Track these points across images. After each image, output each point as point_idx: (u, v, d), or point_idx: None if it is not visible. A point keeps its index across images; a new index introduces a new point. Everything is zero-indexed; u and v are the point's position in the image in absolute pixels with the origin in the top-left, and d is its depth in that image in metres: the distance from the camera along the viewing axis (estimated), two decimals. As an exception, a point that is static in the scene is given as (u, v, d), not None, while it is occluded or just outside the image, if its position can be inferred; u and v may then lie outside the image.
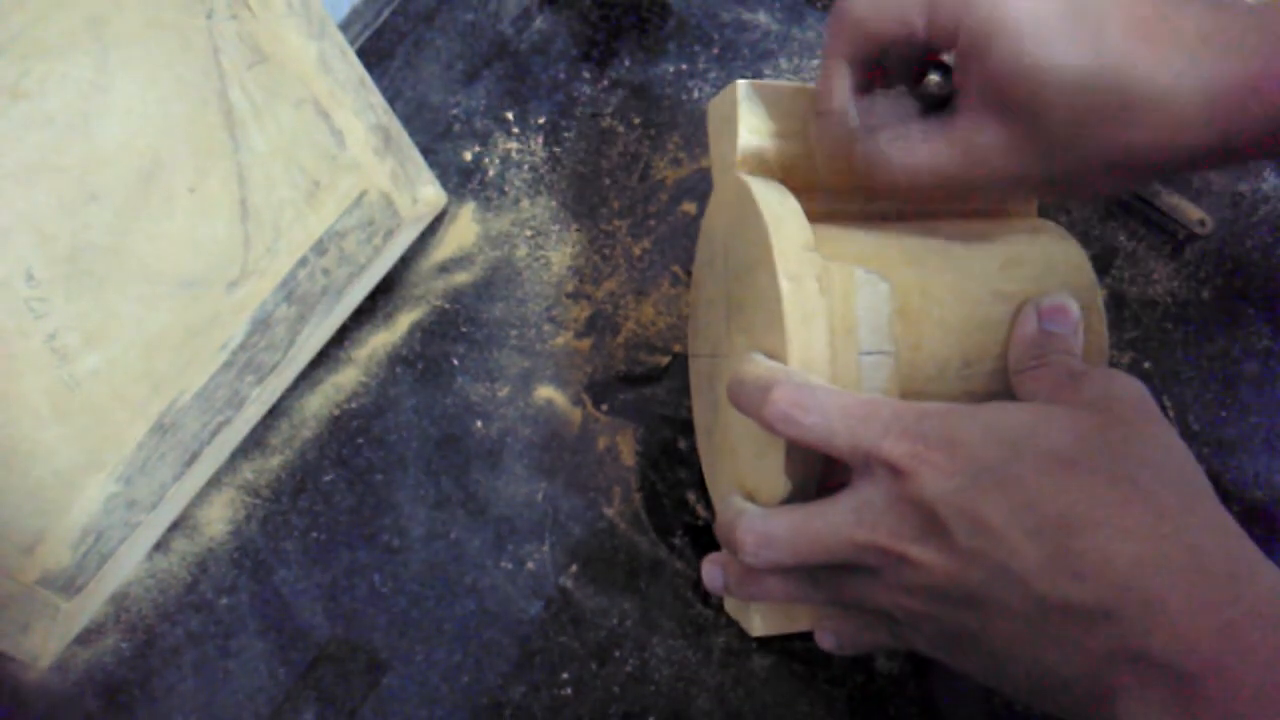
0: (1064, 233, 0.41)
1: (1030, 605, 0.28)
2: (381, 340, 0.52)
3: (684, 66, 0.58)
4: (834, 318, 0.34)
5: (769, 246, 0.35)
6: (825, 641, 0.37)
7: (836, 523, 0.32)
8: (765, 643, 0.45)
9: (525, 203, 0.54)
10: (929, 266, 0.38)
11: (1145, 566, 0.27)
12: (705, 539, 0.47)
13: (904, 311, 0.36)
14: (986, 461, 0.30)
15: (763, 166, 0.40)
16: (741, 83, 0.39)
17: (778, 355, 0.34)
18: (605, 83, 0.57)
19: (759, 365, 0.34)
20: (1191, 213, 0.52)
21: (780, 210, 0.36)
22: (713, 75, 0.57)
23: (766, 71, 0.57)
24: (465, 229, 0.54)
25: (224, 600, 0.46)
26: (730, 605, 0.41)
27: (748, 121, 0.39)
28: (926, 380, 0.36)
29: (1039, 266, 0.39)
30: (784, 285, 0.34)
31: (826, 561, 0.32)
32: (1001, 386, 0.37)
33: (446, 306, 0.52)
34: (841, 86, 0.36)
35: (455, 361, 0.51)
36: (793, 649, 0.44)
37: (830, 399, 0.32)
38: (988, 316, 0.37)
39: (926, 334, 0.36)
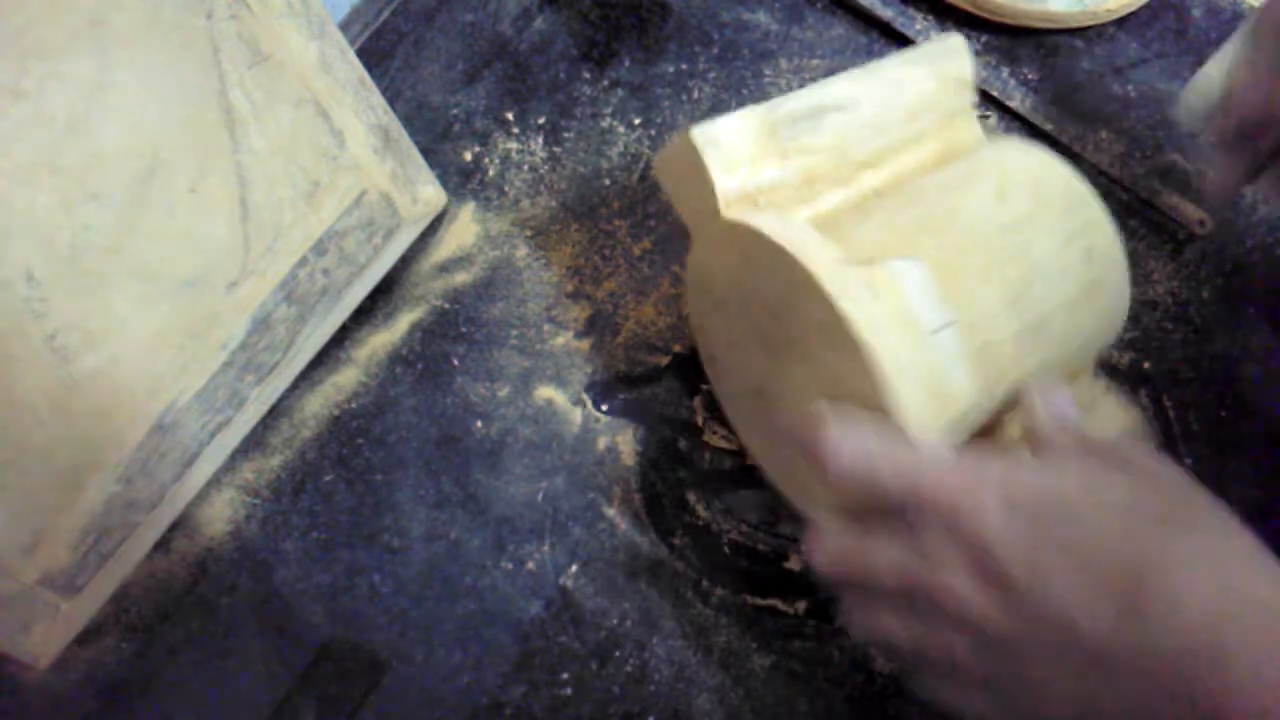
0: (1021, 142, 0.42)
1: (1091, 653, 0.28)
2: (381, 340, 0.52)
3: (684, 66, 0.58)
4: (894, 313, 0.34)
5: (808, 274, 0.34)
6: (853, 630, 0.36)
7: (890, 558, 0.32)
8: (765, 643, 0.45)
9: (525, 203, 0.54)
10: (937, 226, 0.38)
11: (1215, 617, 0.27)
12: (705, 539, 0.47)
13: (941, 277, 0.36)
14: (1046, 507, 0.29)
15: (745, 200, 0.39)
16: (696, 131, 0.38)
17: (854, 374, 0.34)
18: (605, 83, 0.57)
19: (817, 413, 0.34)
20: (1191, 213, 0.52)
21: (795, 235, 0.36)
22: (713, 75, 0.57)
23: (766, 72, 0.57)
24: (465, 229, 0.54)
25: (224, 600, 0.46)
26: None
27: (718, 163, 0.38)
28: (991, 331, 0.36)
29: (1027, 179, 0.39)
30: (845, 306, 0.34)
31: (878, 587, 0.33)
32: (1052, 306, 0.38)
33: (446, 306, 0.52)
34: None
35: (455, 361, 0.51)
36: (792, 649, 0.44)
37: (883, 445, 0.32)
38: (1008, 248, 0.38)
39: (966, 289, 0.36)
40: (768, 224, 0.37)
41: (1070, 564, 0.28)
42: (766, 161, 0.39)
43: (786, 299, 0.37)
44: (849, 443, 0.32)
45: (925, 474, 0.31)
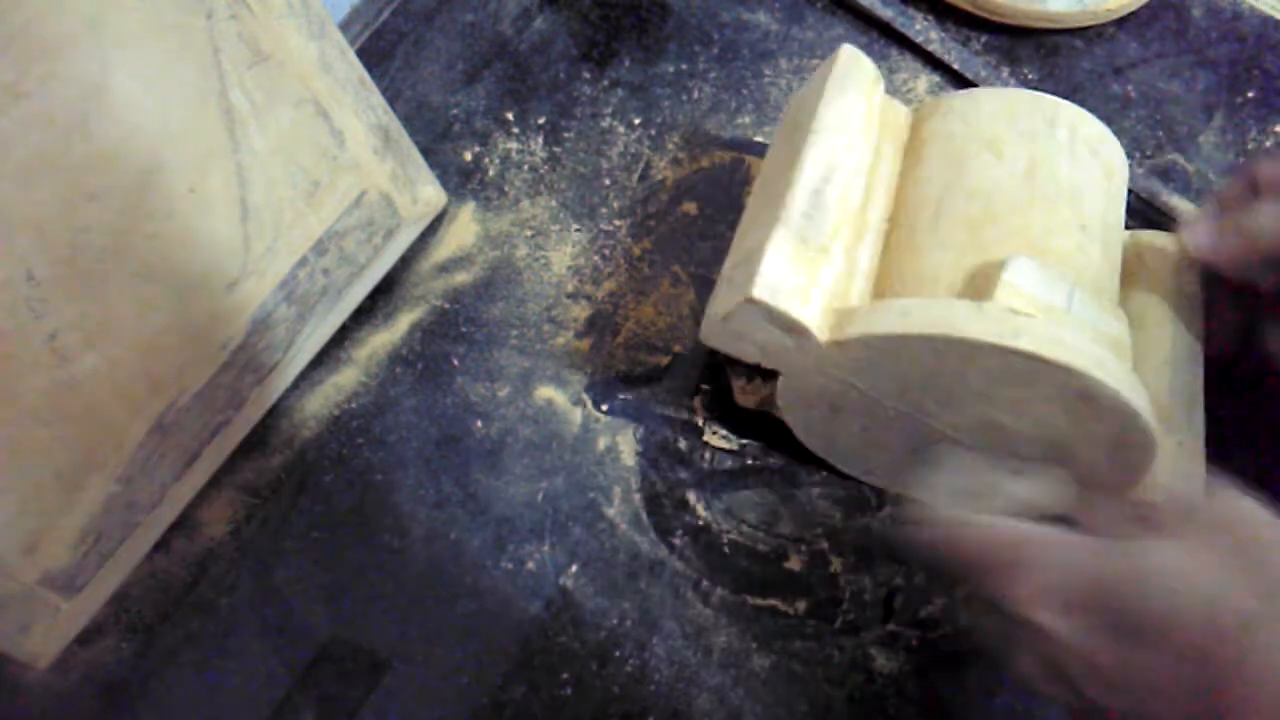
0: (960, 101, 0.43)
1: None
2: (381, 340, 0.52)
3: (684, 66, 0.58)
4: (1049, 319, 0.35)
5: (971, 342, 0.35)
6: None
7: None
8: (765, 643, 0.45)
9: (525, 203, 0.54)
10: (978, 216, 0.39)
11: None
12: (705, 539, 0.47)
13: (1030, 254, 0.37)
14: (1123, 592, 0.28)
15: (827, 312, 0.38)
16: (757, 291, 0.37)
17: (1055, 395, 0.35)
18: (605, 83, 0.57)
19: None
20: (1191, 213, 0.52)
21: (940, 315, 0.36)
22: (713, 75, 0.57)
23: (766, 72, 0.57)
24: (465, 229, 0.54)
25: (224, 600, 0.46)
26: None
27: (795, 304, 0.37)
28: (1088, 266, 0.38)
29: (1000, 126, 0.41)
30: (1026, 346, 0.34)
31: None
32: (1100, 205, 0.40)
33: (446, 306, 0.52)
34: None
35: (455, 361, 0.51)
36: (793, 649, 0.44)
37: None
38: (1039, 189, 0.39)
39: (1049, 249, 0.38)
40: (901, 323, 0.36)
41: (1144, 655, 0.27)
42: (817, 269, 0.38)
43: (948, 369, 0.37)
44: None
45: (985, 551, 0.30)
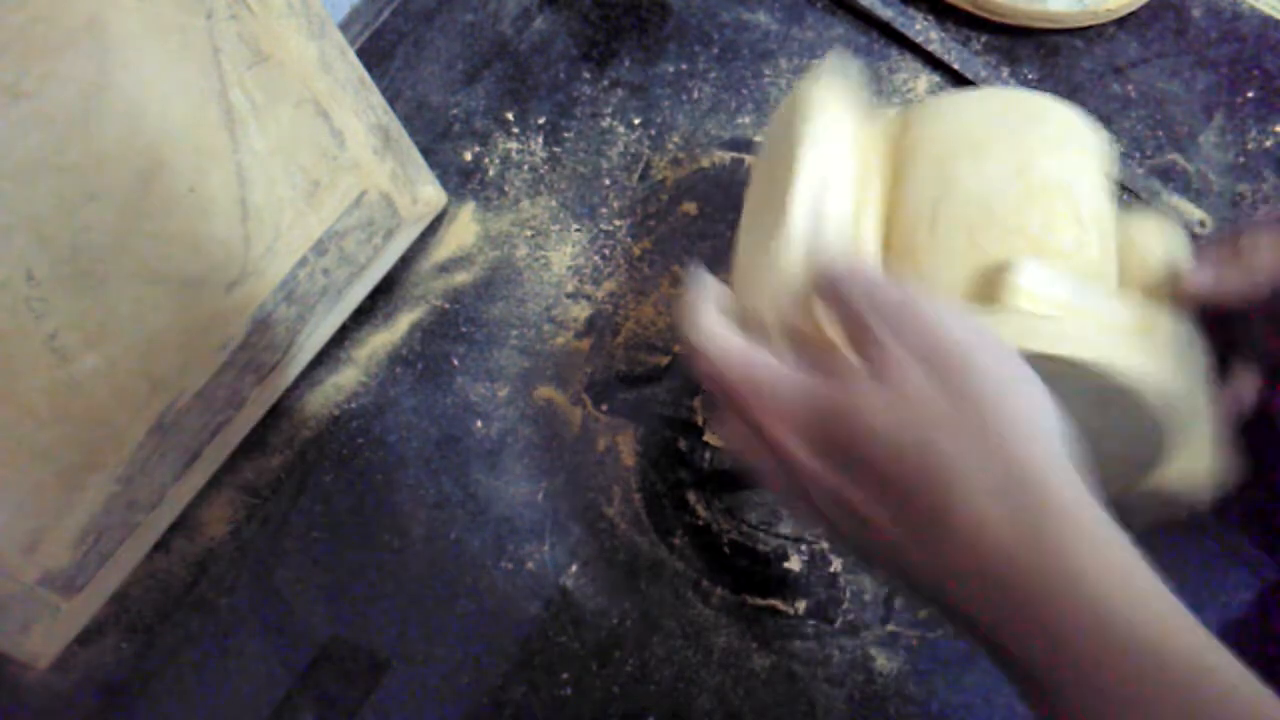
0: (933, 108, 0.42)
1: (885, 543, 0.30)
2: (381, 340, 0.52)
3: (684, 66, 0.58)
4: (1069, 315, 0.36)
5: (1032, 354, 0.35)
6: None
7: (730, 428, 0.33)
8: (765, 643, 0.45)
9: (525, 203, 0.54)
10: (973, 220, 0.39)
11: (975, 537, 0.28)
12: (705, 539, 0.47)
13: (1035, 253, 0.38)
14: (828, 440, 0.30)
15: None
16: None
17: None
18: (605, 83, 0.57)
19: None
20: (1191, 213, 0.52)
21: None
22: (713, 75, 0.57)
23: (766, 72, 0.57)
24: (465, 229, 0.54)
25: (224, 600, 0.46)
26: None
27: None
28: (1090, 251, 0.39)
29: (976, 131, 0.40)
30: (1068, 351, 0.35)
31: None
32: (1085, 190, 0.39)
33: (446, 306, 0.52)
34: None
35: (455, 361, 0.51)
36: (793, 649, 0.44)
37: (715, 329, 0.34)
38: (1033, 187, 0.39)
39: (1046, 244, 0.38)
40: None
41: (859, 479, 0.29)
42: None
43: None
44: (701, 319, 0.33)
45: (728, 368, 0.32)
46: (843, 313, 0.33)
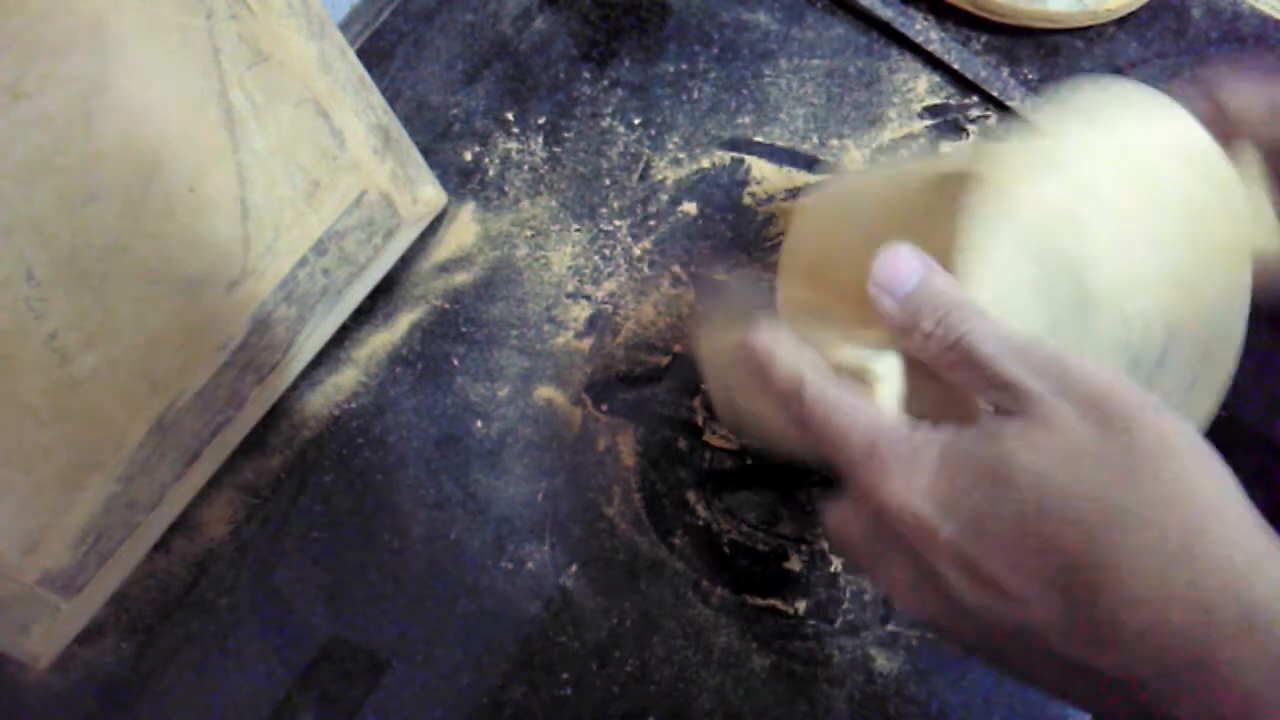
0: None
1: (1052, 657, 0.25)
2: (381, 340, 0.52)
3: (684, 66, 0.58)
4: None
5: None
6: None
7: (852, 527, 0.30)
8: (765, 643, 0.45)
9: (525, 203, 0.54)
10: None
11: (1155, 630, 0.23)
12: (705, 539, 0.47)
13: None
14: (984, 480, 0.26)
15: None
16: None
17: None
18: (605, 83, 0.57)
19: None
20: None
21: None
22: (713, 75, 0.57)
23: (766, 72, 0.57)
24: (465, 229, 0.54)
25: (224, 600, 0.46)
26: None
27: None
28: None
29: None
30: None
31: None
32: None
33: (446, 306, 0.52)
34: None
35: (455, 361, 0.51)
36: (793, 649, 0.44)
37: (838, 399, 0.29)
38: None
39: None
40: None
41: (1010, 544, 0.25)
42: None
43: None
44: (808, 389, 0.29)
45: (855, 433, 0.28)
46: (960, 356, 0.28)
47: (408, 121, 0.52)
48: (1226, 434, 0.49)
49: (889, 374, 0.31)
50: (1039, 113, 0.35)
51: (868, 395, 0.30)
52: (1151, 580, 0.24)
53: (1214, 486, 0.25)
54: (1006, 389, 0.27)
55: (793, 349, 0.30)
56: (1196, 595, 0.23)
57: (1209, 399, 0.35)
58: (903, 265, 0.29)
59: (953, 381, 0.29)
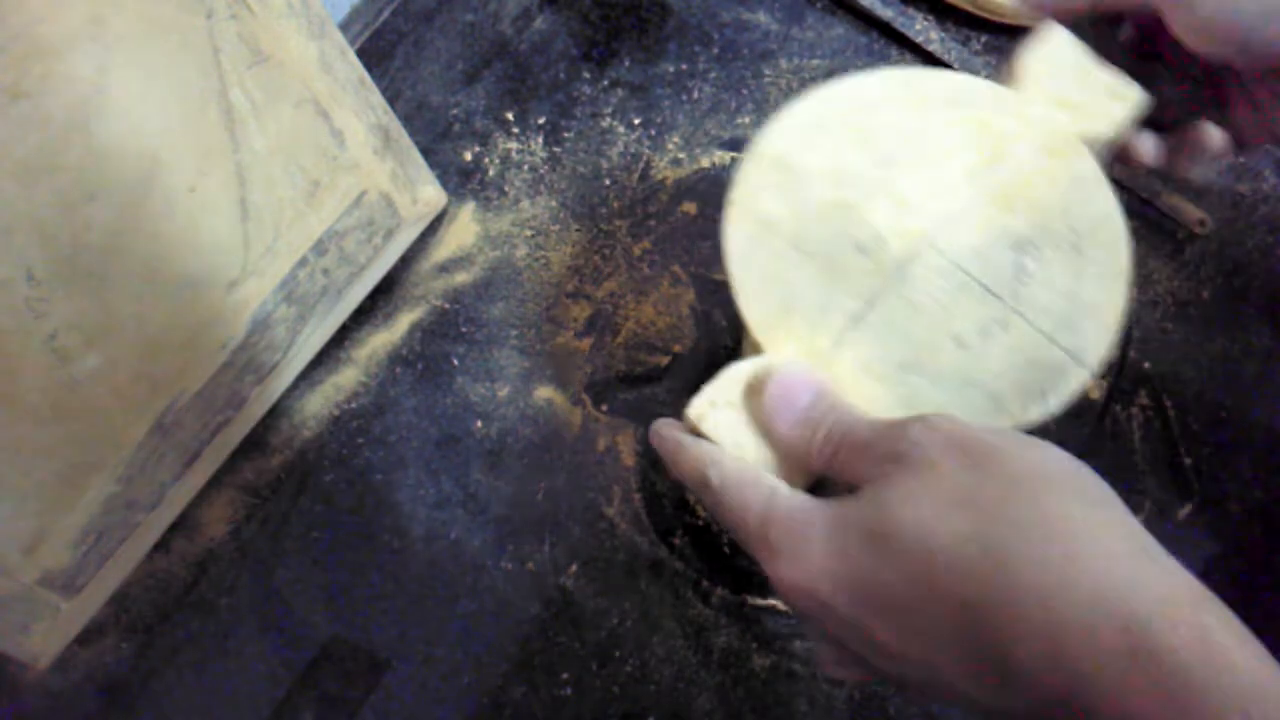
0: None
1: (975, 704, 0.25)
2: (381, 340, 0.52)
3: (684, 66, 0.58)
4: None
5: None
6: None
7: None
8: (765, 643, 0.45)
9: (525, 203, 0.54)
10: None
11: (1051, 664, 0.23)
12: (705, 539, 0.47)
13: None
14: (873, 545, 0.26)
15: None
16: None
17: None
18: (605, 83, 0.57)
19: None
20: (1191, 213, 0.52)
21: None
22: (713, 75, 0.57)
23: (766, 72, 0.57)
24: (465, 229, 0.54)
25: (224, 600, 0.46)
26: None
27: None
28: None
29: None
30: None
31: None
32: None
33: (446, 306, 0.52)
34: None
35: (455, 361, 0.51)
36: (793, 649, 0.44)
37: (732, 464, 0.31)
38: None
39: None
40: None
41: (903, 606, 0.25)
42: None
43: None
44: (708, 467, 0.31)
45: (749, 519, 0.29)
46: (844, 451, 0.29)
47: (408, 121, 0.52)
48: (1234, 431, 0.49)
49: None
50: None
51: (764, 475, 0.31)
52: (1039, 614, 0.24)
53: (1084, 510, 0.25)
54: (881, 459, 0.28)
55: (693, 442, 0.32)
56: (1081, 622, 0.23)
57: (1109, 284, 0.35)
58: (795, 390, 0.31)
59: (841, 476, 0.30)
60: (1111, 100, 0.38)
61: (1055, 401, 0.34)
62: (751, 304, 0.35)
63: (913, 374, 0.34)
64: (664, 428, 0.34)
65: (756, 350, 0.35)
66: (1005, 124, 0.37)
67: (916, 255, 0.35)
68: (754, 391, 0.33)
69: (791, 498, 0.29)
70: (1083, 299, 0.35)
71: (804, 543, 0.28)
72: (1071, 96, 0.37)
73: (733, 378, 0.33)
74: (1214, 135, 0.39)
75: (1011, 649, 0.24)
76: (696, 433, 0.33)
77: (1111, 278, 0.35)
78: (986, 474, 0.26)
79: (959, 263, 0.35)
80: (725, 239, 0.36)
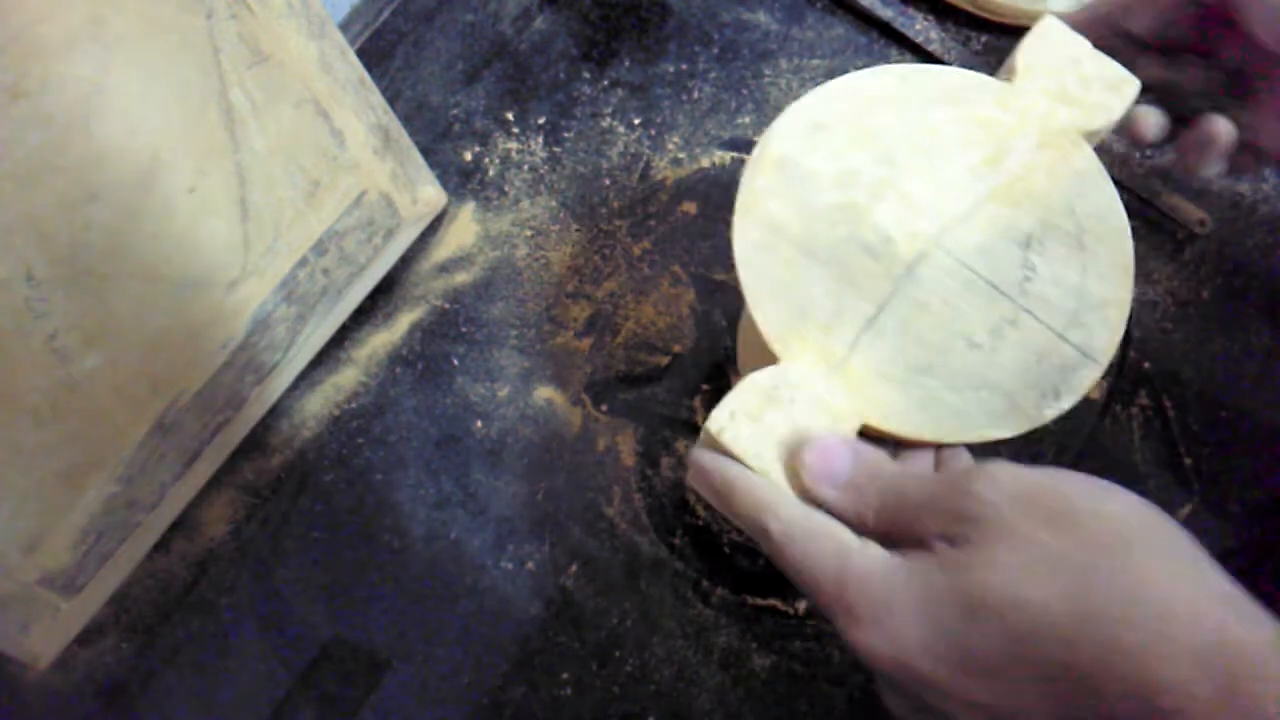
0: None
1: None
2: (381, 340, 0.52)
3: (684, 66, 0.58)
4: None
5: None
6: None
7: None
8: (765, 643, 0.45)
9: (525, 203, 0.54)
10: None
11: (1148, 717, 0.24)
12: (705, 539, 0.47)
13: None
14: (970, 616, 0.26)
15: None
16: None
17: None
18: (605, 83, 0.57)
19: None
20: (1191, 213, 0.52)
21: None
22: (713, 75, 0.57)
23: (766, 72, 0.57)
24: (465, 229, 0.54)
25: (224, 600, 0.46)
26: None
27: None
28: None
29: None
30: None
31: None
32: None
33: (446, 306, 0.52)
34: None
35: (455, 361, 0.51)
36: (793, 649, 0.44)
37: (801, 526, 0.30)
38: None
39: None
40: None
41: (997, 670, 0.25)
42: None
43: None
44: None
45: (823, 580, 0.28)
46: (902, 513, 0.29)
47: (408, 121, 0.52)
48: (1234, 431, 0.49)
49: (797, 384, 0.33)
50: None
51: (832, 527, 0.30)
52: (1135, 674, 0.24)
53: (1169, 565, 0.26)
54: (949, 519, 0.28)
55: (747, 482, 0.31)
56: (1176, 681, 0.24)
57: (1114, 278, 0.35)
58: (834, 456, 0.31)
59: (903, 536, 0.29)
60: (1109, 93, 0.38)
61: (1068, 399, 0.34)
62: (766, 312, 0.35)
63: (927, 376, 0.34)
64: (706, 459, 0.32)
65: (763, 359, 0.35)
66: (1005, 120, 0.37)
67: (924, 256, 0.35)
68: (790, 454, 0.32)
69: (866, 555, 0.28)
70: (1089, 294, 0.35)
71: (888, 610, 0.27)
72: (1070, 89, 0.38)
73: (752, 388, 0.33)
74: (1224, 128, 0.39)
75: (1111, 705, 0.24)
76: (717, 447, 0.32)
77: (1115, 271, 0.35)
78: (1070, 536, 0.26)
79: (967, 262, 0.35)
80: (735, 245, 0.35)
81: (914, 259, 0.35)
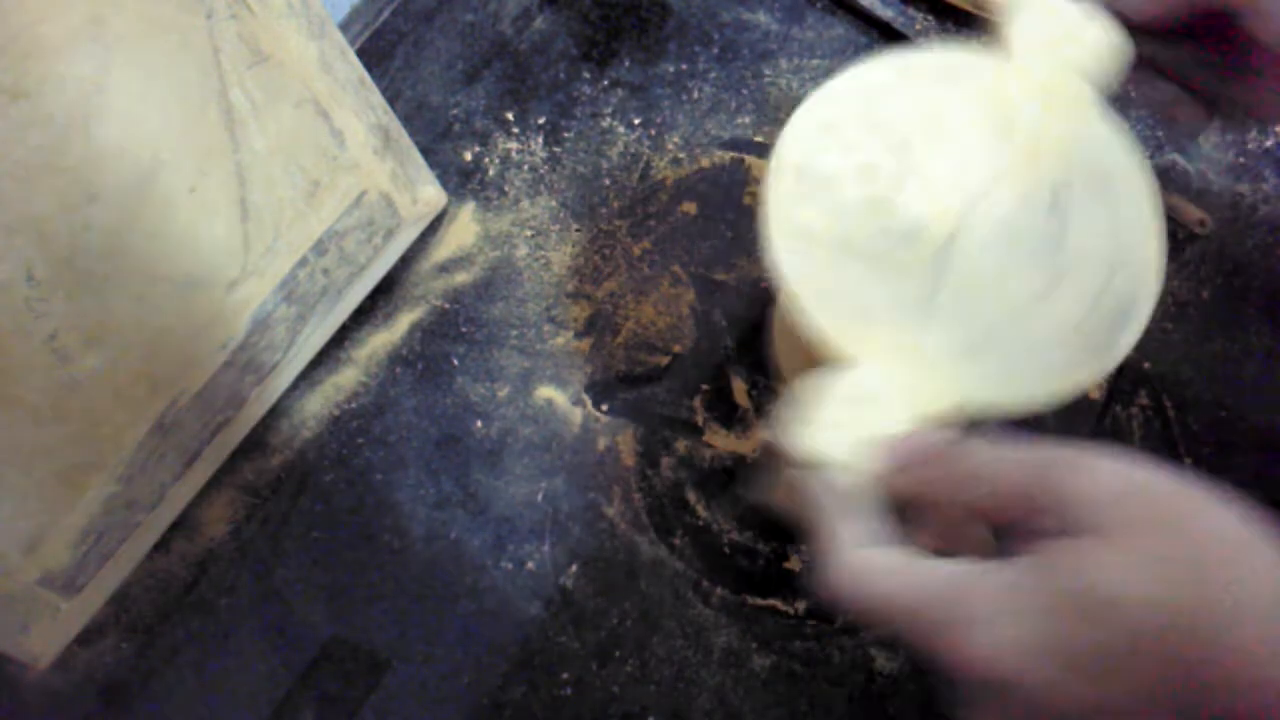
0: None
1: None
2: (381, 340, 0.52)
3: (684, 66, 0.58)
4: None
5: None
6: None
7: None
8: (765, 643, 0.45)
9: (525, 203, 0.54)
10: None
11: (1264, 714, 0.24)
12: (705, 539, 0.47)
13: None
14: (1066, 640, 0.26)
15: None
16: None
17: None
18: (605, 83, 0.57)
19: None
20: (1191, 213, 0.52)
21: None
22: (713, 75, 0.57)
23: (766, 72, 0.57)
24: (465, 229, 0.54)
25: (224, 600, 0.46)
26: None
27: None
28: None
29: None
30: None
31: None
32: None
33: (446, 306, 0.52)
34: None
35: (455, 361, 0.51)
36: (793, 649, 0.44)
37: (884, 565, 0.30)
38: None
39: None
40: None
41: (1113, 672, 0.25)
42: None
43: None
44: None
45: (923, 613, 0.28)
46: (986, 487, 0.28)
47: (408, 121, 0.52)
48: (1234, 431, 0.49)
49: (882, 391, 0.32)
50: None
51: (912, 555, 0.29)
52: (1249, 673, 0.24)
53: (1272, 576, 0.26)
54: (1045, 514, 0.27)
55: (836, 501, 0.30)
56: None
57: (1143, 219, 0.36)
58: (923, 450, 0.30)
59: (998, 524, 0.29)
60: (1093, 26, 0.38)
61: (1125, 344, 0.34)
62: (824, 318, 0.34)
63: (986, 351, 0.34)
64: (808, 482, 0.31)
65: (811, 363, 0.34)
66: (1008, 87, 0.37)
67: (959, 233, 0.35)
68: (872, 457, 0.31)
69: (964, 569, 0.28)
70: (1123, 231, 0.36)
71: (997, 618, 0.27)
72: (1060, 45, 0.38)
73: (837, 396, 0.32)
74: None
75: (1228, 702, 0.24)
76: (804, 461, 0.31)
77: (1143, 212, 0.36)
78: (1175, 541, 0.26)
79: (1001, 232, 0.35)
80: (779, 261, 0.35)
81: (949, 238, 0.35)
